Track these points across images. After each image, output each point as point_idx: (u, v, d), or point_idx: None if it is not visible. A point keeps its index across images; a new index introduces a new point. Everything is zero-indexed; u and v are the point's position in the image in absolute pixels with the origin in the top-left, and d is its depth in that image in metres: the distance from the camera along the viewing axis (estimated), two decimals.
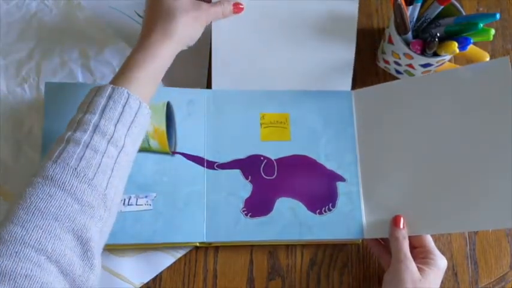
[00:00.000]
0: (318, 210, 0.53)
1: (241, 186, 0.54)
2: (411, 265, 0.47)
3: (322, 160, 0.55)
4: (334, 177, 0.55)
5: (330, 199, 0.54)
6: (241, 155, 0.55)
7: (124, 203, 0.52)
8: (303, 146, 0.55)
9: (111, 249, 0.52)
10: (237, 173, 0.54)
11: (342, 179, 0.55)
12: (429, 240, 0.51)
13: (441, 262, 0.49)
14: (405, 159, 0.53)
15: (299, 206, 0.53)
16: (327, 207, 0.53)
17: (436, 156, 0.51)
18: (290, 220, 0.53)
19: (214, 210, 0.52)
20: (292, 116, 0.56)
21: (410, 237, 0.50)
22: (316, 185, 0.54)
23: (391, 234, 0.50)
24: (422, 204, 0.51)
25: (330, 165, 0.55)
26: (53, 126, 0.53)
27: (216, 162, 0.54)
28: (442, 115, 0.52)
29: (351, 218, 0.53)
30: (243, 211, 0.53)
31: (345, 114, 0.57)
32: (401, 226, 0.50)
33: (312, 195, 0.54)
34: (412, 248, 0.50)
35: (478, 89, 0.50)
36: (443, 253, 0.50)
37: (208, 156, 0.54)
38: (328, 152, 0.55)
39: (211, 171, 0.54)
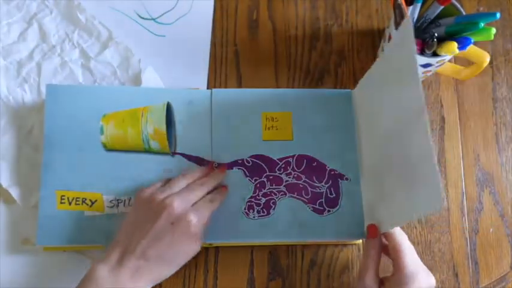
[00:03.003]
0: (321, 211, 0.53)
1: (243, 186, 0.53)
2: None
3: (325, 159, 0.55)
4: (337, 177, 0.55)
5: (333, 199, 0.54)
6: (243, 155, 0.55)
7: (124, 204, 0.52)
8: (306, 146, 0.55)
9: None
10: (239, 173, 0.54)
11: (345, 178, 0.55)
12: (402, 260, 0.46)
13: (409, 272, 0.45)
14: (372, 159, 0.53)
15: (301, 206, 0.53)
16: (329, 207, 0.53)
17: (385, 154, 0.50)
18: (292, 221, 0.52)
19: (215, 211, 0.52)
20: (295, 115, 0.56)
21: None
22: (319, 185, 0.54)
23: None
24: (381, 203, 0.50)
25: (333, 165, 0.55)
26: (54, 128, 0.53)
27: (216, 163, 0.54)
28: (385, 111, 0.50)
29: (353, 218, 0.53)
30: (245, 211, 0.53)
31: (346, 113, 0.57)
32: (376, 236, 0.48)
33: (314, 195, 0.54)
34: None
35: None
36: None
37: (208, 157, 0.54)
38: (331, 151, 0.55)
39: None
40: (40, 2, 0.60)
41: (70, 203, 0.51)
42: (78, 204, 0.51)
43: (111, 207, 0.52)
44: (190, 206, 0.47)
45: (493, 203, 0.59)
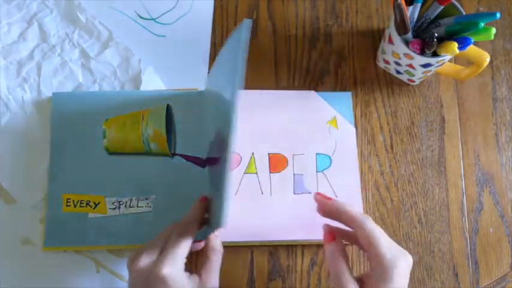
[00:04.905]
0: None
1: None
2: None
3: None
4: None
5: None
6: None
7: (126, 206, 0.52)
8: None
9: (111, 249, 0.52)
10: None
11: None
12: (379, 250, 0.41)
13: (388, 261, 0.40)
14: None
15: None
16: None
17: None
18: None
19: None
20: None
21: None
22: None
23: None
24: None
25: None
26: (60, 134, 0.54)
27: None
28: None
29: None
30: None
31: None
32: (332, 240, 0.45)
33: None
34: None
35: None
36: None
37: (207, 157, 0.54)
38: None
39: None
40: (40, 2, 0.60)
41: (75, 206, 0.52)
42: (83, 206, 0.52)
43: (113, 208, 0.52)
44: (155, 257, 0.42)
45: (493, 203, 0.59)
